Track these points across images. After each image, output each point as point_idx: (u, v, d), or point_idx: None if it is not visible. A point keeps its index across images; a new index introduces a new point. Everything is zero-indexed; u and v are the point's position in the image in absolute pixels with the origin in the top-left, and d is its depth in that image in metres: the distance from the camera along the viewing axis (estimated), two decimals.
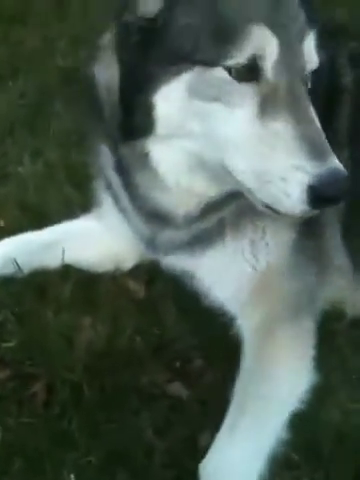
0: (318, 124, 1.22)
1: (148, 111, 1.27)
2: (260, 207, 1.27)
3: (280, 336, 1.42)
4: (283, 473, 1.32)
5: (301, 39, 1.24)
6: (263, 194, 1.23)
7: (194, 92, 1.23)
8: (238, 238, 1.46)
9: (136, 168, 1.42)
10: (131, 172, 1.44)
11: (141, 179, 1.43)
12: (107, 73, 1.37)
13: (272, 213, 1.26)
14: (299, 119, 1.20)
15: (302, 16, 1.26)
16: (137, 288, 1.75)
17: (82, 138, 1.94)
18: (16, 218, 1.87)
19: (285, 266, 1.46)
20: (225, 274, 1.48)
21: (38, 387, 1.45)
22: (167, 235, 1.51)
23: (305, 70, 1.26)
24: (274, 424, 1.33)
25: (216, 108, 1.22)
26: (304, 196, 1.17)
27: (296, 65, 1.23)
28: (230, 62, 1.19)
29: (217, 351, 1.57)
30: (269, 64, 1.20)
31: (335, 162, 1.18)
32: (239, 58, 1.19)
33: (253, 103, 1.22)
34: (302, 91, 1.23)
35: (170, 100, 1.25)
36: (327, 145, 1.20)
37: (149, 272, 1.77)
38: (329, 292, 1.55)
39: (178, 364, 1.56)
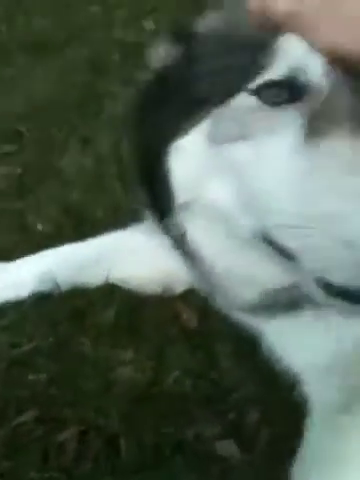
0: None
1: (166, 179, 1.05)
2: (320, 297, 0.92)
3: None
4: None
5: None
6: (311, 255, 0.85)
7: (214, 137, 0.98)
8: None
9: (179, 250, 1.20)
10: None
11: (188, 263, 1.20)
12: None
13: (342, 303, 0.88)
14: None
15: None
16: (189, 316, 1.57)
17: None
18: (57, 222, 1.69)
19: None
20: (300, 344, 1.24)
21: (68, 434, 1.29)
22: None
23: None
24: None
25: (242, 149, 0.94)
26: None
27: None
28: (258, 81, 0.93)
29: (277, 406, 1.38)
30: (319, 74, 0.92)
31: None
32: (272, 73, 0.92)
33: (294, 128, 0.90)
34: None
35: (186, 155, 1.02)
36: None
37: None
38: None
39: (230, 417, 1.38)
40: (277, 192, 0.89)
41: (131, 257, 1.61)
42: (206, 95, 1.01)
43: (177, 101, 1.06)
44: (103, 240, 1.65)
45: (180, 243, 1.18)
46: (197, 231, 1.11)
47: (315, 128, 0.88)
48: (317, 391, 1.27)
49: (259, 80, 0.93)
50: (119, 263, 1.59)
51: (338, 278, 0.80)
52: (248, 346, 1.43)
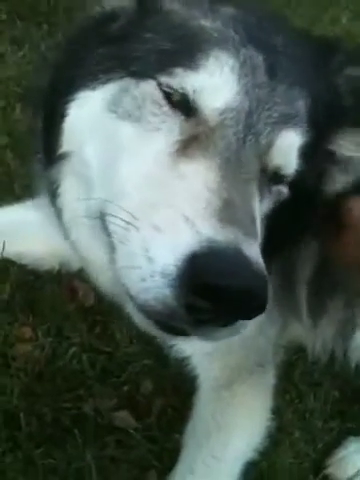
0: (252, 205, 0.95)
1: (61, 121, 1.11)
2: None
3: (239, 391, 1.36)
4: None
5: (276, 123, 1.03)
6: (122, 252, 0.89)
7: (113, 105, 1.04)
8: None
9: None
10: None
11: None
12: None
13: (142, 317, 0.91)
14: (225, 177, 0.91)
15: (293, 106, 1.06)
16: (86, 293, 1.62)
17: None
18: None
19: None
20: None
21: None
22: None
23: (268, 158, 1.03)
24: None
25: (126, 128, 1.01)
26: (171, 268, 0.80)
27: (254, 136, 1.00)
28: (167, 79, 0.99)
29: (168, 378, 1.50)
30: (216, 106, 0.99)
31: (250, 245, 0.84)
32: (181, 79, 0.99)
33: (175, 137, 0.98)
34: (248, 162, 0.97)
35: (84, 108, 1.09)
36: (253, 226, 0.92)
37: None
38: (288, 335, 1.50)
39: (126, 388, 1.47)
40: (130, 186, 0.95)
41: (26, 232, 1.60)
42: (130, 58, 1.05)
43: (102, 52, 1.10)
44: None
45: (53, 201, 1.21)
46: (68, 189, 1.16)
47: (185, 148, 0.96)
48: (203, 371, 1.40)
49: (171, 79, 0.99)
50: (14, 238, 1.58)
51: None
52: None
